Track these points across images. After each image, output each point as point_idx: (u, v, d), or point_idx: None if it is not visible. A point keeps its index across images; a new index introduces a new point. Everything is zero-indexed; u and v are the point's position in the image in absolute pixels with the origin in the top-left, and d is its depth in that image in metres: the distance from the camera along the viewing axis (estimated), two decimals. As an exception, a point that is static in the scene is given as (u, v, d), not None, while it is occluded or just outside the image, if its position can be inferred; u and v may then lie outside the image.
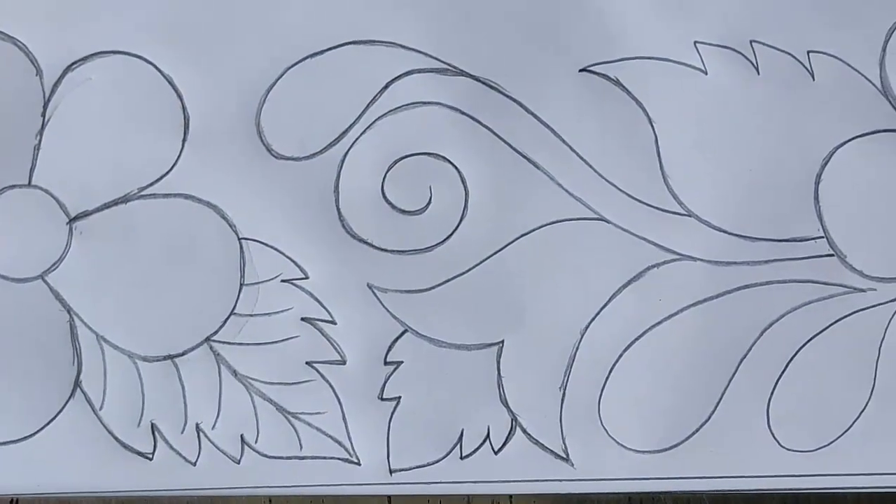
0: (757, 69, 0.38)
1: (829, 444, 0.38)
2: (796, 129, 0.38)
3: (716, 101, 0.38)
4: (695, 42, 0.38)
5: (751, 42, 0.38)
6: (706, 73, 0.38)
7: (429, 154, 0.39)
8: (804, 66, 0.38)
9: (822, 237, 0.38)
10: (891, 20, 0.38)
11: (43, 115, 0.39)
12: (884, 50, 0.38)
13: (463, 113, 0.39)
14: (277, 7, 0.39)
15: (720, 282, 0.38)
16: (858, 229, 0.38)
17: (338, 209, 0.39)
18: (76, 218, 0.39)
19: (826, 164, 0.38)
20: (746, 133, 0.38)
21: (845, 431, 0.38)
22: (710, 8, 0.38)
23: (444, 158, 0.39)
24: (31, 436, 0.39)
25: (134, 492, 0.39)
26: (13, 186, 0.39)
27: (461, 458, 0.39)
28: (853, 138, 0.38)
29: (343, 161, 0.39)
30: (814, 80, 0.38)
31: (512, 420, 0.38)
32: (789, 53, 0.38)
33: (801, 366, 0.38)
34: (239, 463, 0.39)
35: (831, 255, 0.38)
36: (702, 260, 0.38)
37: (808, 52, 0.38)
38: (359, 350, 0.39)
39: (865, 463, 0.37)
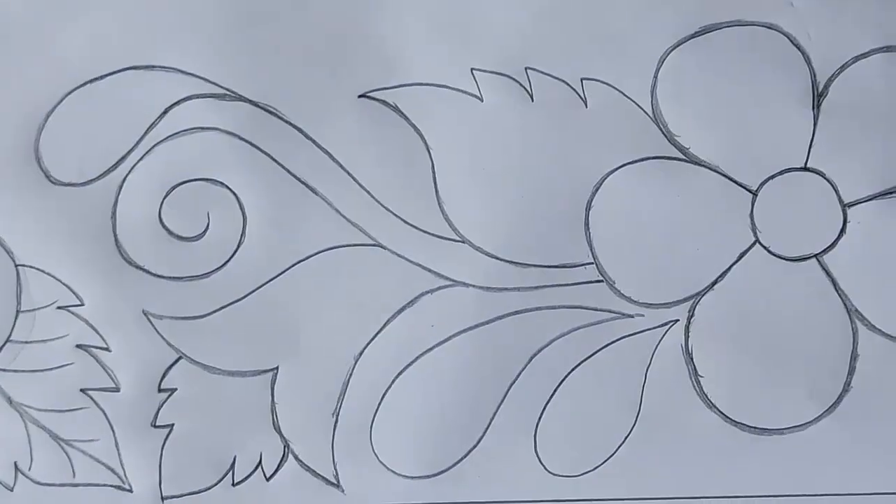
0: (531, 96, 0.38)
1: (594, 469, 0.38)
2: (569, 155, 0.38)
3: (491, 127, 0.38)
4: (471, 69, 0.38)
5: (526, 69, 0.38)
6: (482, 100, 0.38)
7: (207, 180, 0.39)
8: (577, 93, 0.38)
9: (592, 263, 0.38)
10: (662, 48, 0.38)
11: None
12: (655, 77, 0.38)
13: (241, 139, 0.39)
14: (56, 31, 0.39)
15: (491, 308, 0.38)
16: (627, 255, 0.38)
17: (115, 235, 0.39)
18: None
19: (597, 190, 0.38)
20: (520, 160, 0.38)
21: (610, 456, 0.38)
22: (486, 35, 0.38)
23: (223, 184, 0.39)
24: None
25: None
26: None
27: (233, 484, 0.38)
28: (623, 165, 0.38)
29: (121, 187, 0.39)
30: (587, 106, 0.38)
31: (284, 446, 0.39)
32: (563, 81, 0.38)
33: (568, 391, 0.38)
34: (12, 490, 0.39)
35: (600, 282, 0.38)
36: (474, 286, 0.38)
37: (582, 80, 0.38)
38: (133, 377, 0.39)
39: (629, 488, 0.38)
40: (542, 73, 0.38)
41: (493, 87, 0.39)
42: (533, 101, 0.38)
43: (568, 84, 0.38)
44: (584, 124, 0.38)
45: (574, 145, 0.38)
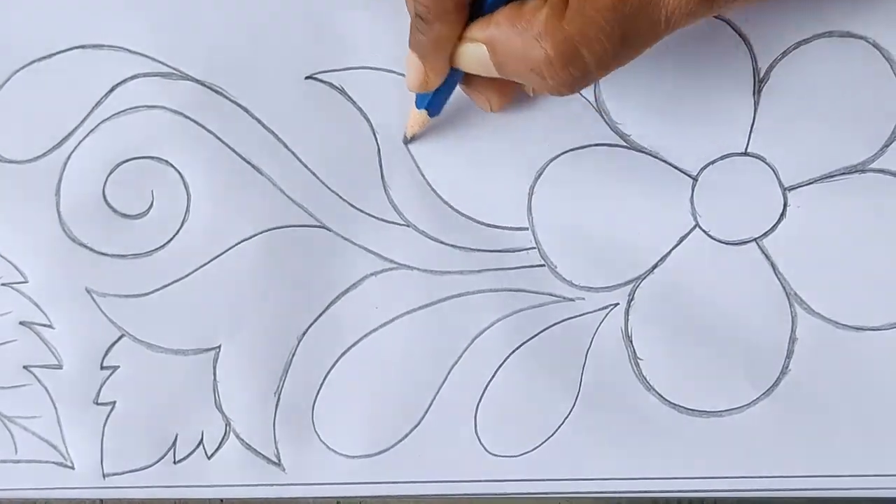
0: (477, 81, 0.38)
1: (533, 450, 0.38)
2: (514, 141, 0.38)
3: (437, 112, 0.38)
4: (418, 53, 0.38)
5: (472, 53, 0.38)
6: (429, 85, 0.38)
7: (151, 158, 0.39)
8: (523, 78, 0.38)
9: (534, 248, 0.38)
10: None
11: None
12: (599, 64, 0.38)
13: (187, 117, 0.39)
14: (3, 10, 0.39)
15: (434, 290, 0.38)
16: (569, 240, 0.38)
17: (59, 213, 0.39)
18: None
19: (539, 176, 0.38)
20: (465, 145, 0.38)
21: (549, 437, 0.38)
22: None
23: (167, 162, 0.39)
24: None
25: None
26: None
27: (174, 462, 0.39)
28: (566, 152, 0.38)
29: (66, 164, 0.39)
30: (532, 94, 0.38)
31: (226, 425, 0.39)
32: (509, 65, 0.38)
33: (509, 373, 0.38)
34: (-47, 467, 0.39)
35: (542, 266, 0.38)
36: (418, 269, 0.38)
37: (529, 66, 0.38)
38: (75, 354, 0.39)
39: (568, 469, 0.38)
40: (487, 57, 0.38)
41: (441, 73, 0.39)
42: (479, 85, 0.38)
43: (514, 68, 0.38)
44: (529, 111, 0.38)
45: (519, 131, 0.38)
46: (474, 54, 0.32)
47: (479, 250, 0.38)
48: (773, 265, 0.38)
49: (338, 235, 0.39)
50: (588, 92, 0.38)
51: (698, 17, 0.31)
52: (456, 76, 0.35)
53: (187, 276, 0.39)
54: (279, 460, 0.39)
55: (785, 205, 0.38)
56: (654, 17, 0.30)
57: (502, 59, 0.31)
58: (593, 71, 0.31)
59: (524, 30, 0.30)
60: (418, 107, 0.36)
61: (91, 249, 0.39)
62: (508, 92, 0.36)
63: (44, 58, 0.39)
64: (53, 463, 0.39)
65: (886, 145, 0.37)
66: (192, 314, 0.39)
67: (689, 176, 0.38)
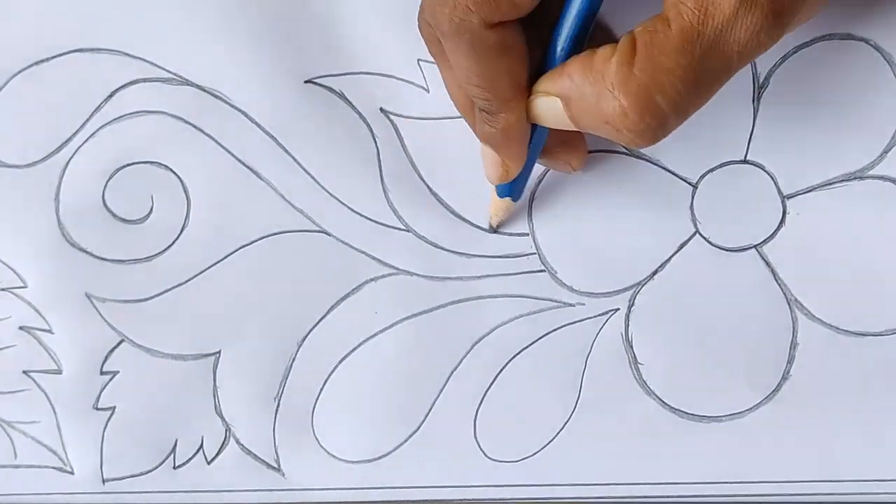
0: (477, 86, 0.38)
1: (532, 456, 0.38)
2: (514, 145, 0.38)
3: (437, 117, 0.38)
4: (418, 60, 0.38)
5: (472, 59, 0.38)
6: (428, 91, 0.39)
7: (151, 163, 0.39)
8: (522, 83, 0.38)
9: (535, 253, 0.38)
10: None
11: None
12: (599, 69, 0.38)
13: (187, 122, 0.39)
14: (2, 12, 0.39)
15: (434, 296, 0.38)
16: (569, 246, 0.38)
17: (58, 217, 0.39)
18: None
19: (540, 182, 0.38)
20: (465, 151, 0.38)
21: (549, 443, 0.38)
22: (433, 26, 0.38)
23: (167, 167, 0.39)
24: None
25: None
26: None
27: (174, 467, 0.39)
28: (566, 156, 0.38)
29: (65, 169, 0.39)
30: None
31: (226, 430, 0.39)
32: (509, 71, 0.38)
33: (509, 378, 0.38)
34: (-47, 472, 0.39)
35: (542, 271, 0.38)
36: (418, 275, 0.38)
37: (527, 70, 0.38)
38: (75, 359, 0.39)
39: (567, 474, 0.38)
40: (488, 62, 0.38)
41: (440, 78, 0.38)
42: (478, 90, 0.38)
43: (513, 73, 0.38)
44: (529, 115, 0.38)
45: (519, 134, 0.38)
46: (551, 108, 0.31)
47: (478, 256, 0.38)
48: (773, 271, 0.38)
49: (337, 240, 0.39)
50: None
51: (769, 47, 0.30)
52: (533, 157, 0.34)
53: (187, 281, 0.39)
54: (279, 465, 0.39)
55: (784, 212, 0.38)
56: (726, 54, 0.29)
57: (577, 113, 0.30)
58: (671, 119, 0.29)
59: (596, 81, 0.29)
60: (500, 195, 0.36)
61: (91, 254, 0.39)
62: (584, 147, 0.36)
63: (42, 61, 0.39)
64: (53, 468, 0.39)
65: (886, 151, 0.37)
66: (192, 319, 0.39)
67: (689, 183, 0.38)
